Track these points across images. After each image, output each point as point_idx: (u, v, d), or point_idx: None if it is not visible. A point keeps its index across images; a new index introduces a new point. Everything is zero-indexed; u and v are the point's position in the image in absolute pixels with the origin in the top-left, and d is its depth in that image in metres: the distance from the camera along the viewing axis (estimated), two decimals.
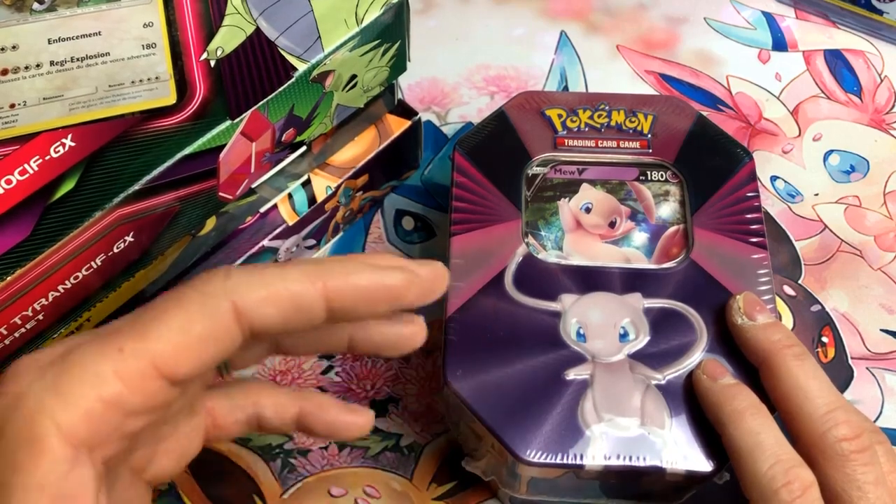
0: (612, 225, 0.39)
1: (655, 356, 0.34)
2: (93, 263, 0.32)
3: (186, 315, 0.23)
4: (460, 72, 0.52)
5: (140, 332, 0.23)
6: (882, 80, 0.51)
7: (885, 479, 0.30)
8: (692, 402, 0.33)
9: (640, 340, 0.35)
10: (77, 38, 0.34)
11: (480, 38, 0.53)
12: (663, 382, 0.34)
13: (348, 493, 0.39)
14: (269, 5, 0.36)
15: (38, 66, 0.34)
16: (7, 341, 0.31)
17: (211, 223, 0.38)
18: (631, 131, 0.41)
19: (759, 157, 0.48)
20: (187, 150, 0.32)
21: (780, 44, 0.53)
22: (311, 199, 0.41)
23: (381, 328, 0.28)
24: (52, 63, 0.34)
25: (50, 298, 0.31)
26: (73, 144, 0.31)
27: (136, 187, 0.31)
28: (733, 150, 0.40)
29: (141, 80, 0.33)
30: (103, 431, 0.23)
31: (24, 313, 0.31)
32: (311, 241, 0.44)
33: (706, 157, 0.40)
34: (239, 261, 0.40)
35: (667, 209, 0.39)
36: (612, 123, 0.41)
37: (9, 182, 0.30)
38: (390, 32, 0.37)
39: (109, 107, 0.33)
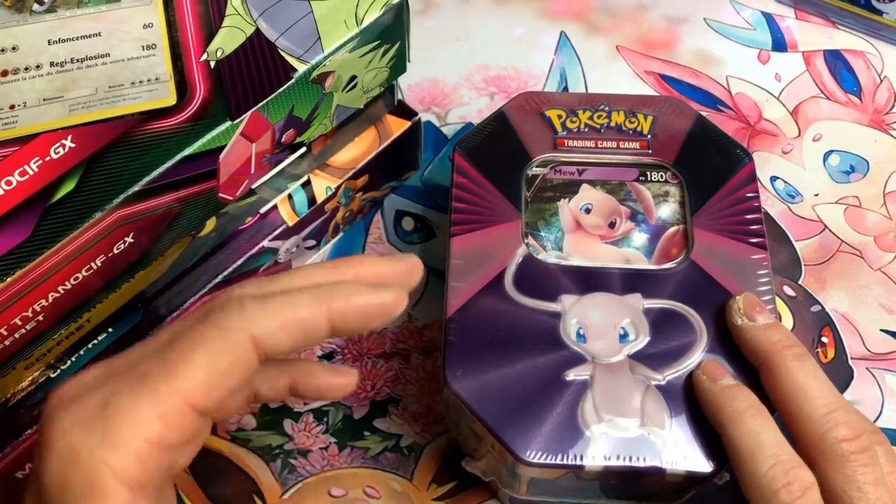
0: (611, 225, 0.39)
1: (655, 357, 0.34)
2: (93, 264, 0.32)
3: (211, 353, 0.26)
4: (460, 72, 0.52)
5: (170, 372, 0.26)
6: (882, 81, 0.51)
7: (885, 479, 0.30)
8: (692, 403, 0.33)
9: (640, 341, 0.35)
10: (77, 39, 0.34)
11: (480, 39, 0.53)
12: (663, 383, 0.34)
13: (348, 494, 0.39)
14: (269, 6, 0.36)
15: (38, 67, 0.34)
16: (7, 342, 0.31)
17: (211, 224, 0.38)
18: (631, 132, 0.41)
19: (759, 157, 0.48)
20: (187, 151, 0.32)
21: (779, 44, 0.53)
22: (311, 200, 0.41)
23: (321, 377, 0.31)
24: (52, 64, 0.34)
25: (50, 299, 0.31)
26: (73, 145, 0.31)
27: (136, 188, 0.31)
28: (733, 151, 0.40)
29: (141, 81, 0.33)
30: (152, 468, 0.25)
31: (25, 314, 0.31)
32: (311, 242, 0.44)
33: (706, 157, 0.40)
34: (239, 261, 0.40)
35: (666, 210, 0.39)
36: (612, 124, 0.41)
37: (9, 183, 0.30)
38: (390, 33, 0.37)
39: (109, 108, 0.33)
